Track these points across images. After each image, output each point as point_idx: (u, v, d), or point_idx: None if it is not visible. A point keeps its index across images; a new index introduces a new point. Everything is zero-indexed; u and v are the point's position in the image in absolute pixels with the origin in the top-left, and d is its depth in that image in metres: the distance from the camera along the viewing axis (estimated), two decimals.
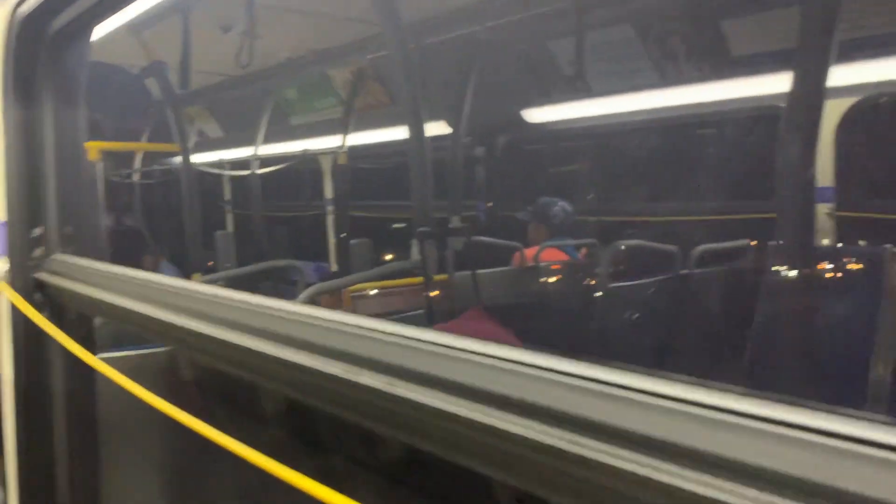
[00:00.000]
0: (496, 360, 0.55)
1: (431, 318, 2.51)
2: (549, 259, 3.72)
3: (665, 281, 3.29)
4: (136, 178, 7.09)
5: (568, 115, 4.29)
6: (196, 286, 0.93)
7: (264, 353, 0.70)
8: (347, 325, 0.70)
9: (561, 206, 3.95)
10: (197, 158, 6.56)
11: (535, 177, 5.31)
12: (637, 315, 3.20)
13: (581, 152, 5.15)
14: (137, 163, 7.11)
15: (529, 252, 3.66)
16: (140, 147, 6.90)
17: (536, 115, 4.42)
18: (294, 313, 0.73)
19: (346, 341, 0.66)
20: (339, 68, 5.10)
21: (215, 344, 0.79)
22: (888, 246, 2.89)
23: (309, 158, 5.66)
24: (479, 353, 0.57)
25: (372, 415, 0.64)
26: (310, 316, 0.71)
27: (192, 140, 6.34)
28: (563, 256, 3.90)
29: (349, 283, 2.61)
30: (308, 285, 3.98)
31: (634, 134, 4.41)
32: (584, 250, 3.98)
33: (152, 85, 5.50)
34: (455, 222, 3.10)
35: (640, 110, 3.85)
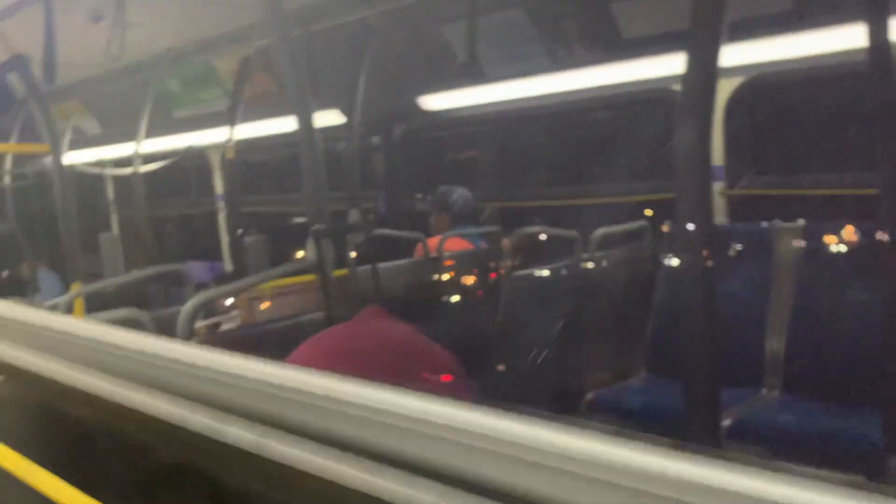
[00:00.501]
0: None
1: (331, 317, 2.39)
2: (452, 249, 3.66)
3: (568, 266, 3.29)
4: (7, 180, 6.58)
5: (464, 101, 4.24)
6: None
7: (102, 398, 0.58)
8: (211, 368, 0.59)
9: (460, 193, 3.89)
10: (75, 157, 6.15)
11: (434, 166, 5.24)
12: (542, 300, 3.18)
13: (479, 139, 5.12)
14: (9, 164, 6.60)
15: (432, 243, 3.59)
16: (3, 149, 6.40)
17: (432, 102, 4.35)
18: (137, 352, 0.61)
19: (210, 386, 0.55)
20: (224, 58, 4.87)
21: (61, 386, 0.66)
22: (777, 221, 2.99)
23: (195, 153, 5.38)
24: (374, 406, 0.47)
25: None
26: (158, 356, 0.59)
27: (68, 138, 5.93)
28: (467, 245, 3.85)
29: (240, 287, 2.45)
30: (200, 287, 3.78)
31: (531, 120, 4.41)
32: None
33: (16, 81, 5.07)
34: (353, 216, 2.99)
35: (536, 95, 3.84)
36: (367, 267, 2.78)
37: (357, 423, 0.48)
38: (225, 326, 3.23)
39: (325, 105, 3.87)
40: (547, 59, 3.57)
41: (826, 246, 2.87)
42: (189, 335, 2.27)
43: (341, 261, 2.85)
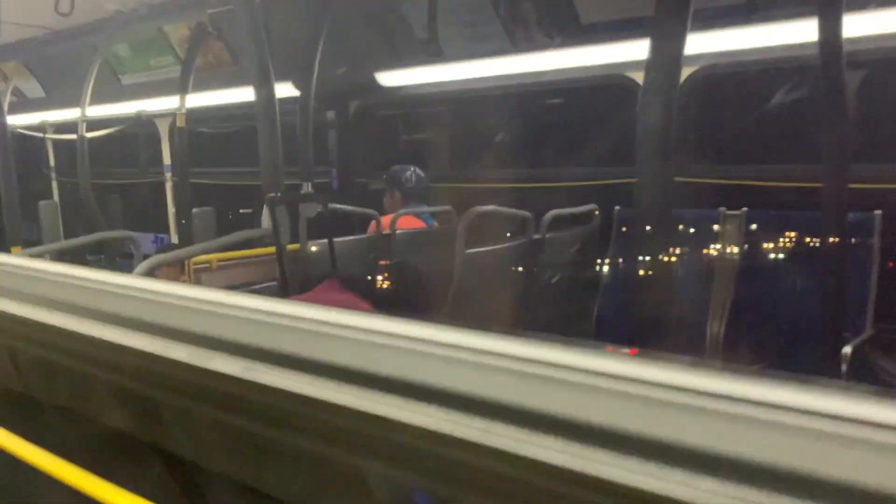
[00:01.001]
0: (381, 335, 0.47)
1: (284, 289, 2.38)
2: (405, 226, 3.67)
3: (519, 245, 3.33)
4: None
5: (421, 80, 4.24)
6: None
7: (91, 336, 0.59)
8: (194, 300, 0.60)
9: (413, 171, 3.90)
10: (15, 120, 5.93)
11: (389, 144, 5.22)
12: (493, 279, 3.22)
13: (436, 118, 5.12)
14: None
15: (386, 220, 3.59)
16: None
17: (389, 79, 4.33)
18: (126, 287, 0.61)
19: (192, 319, 0.56)
20: (176, 23, 4.75)
21: (28, 327, 0.66)
22: (722, 209, 3.09)
23: (144, 121, 5.25)
24: (359, 329, 0.49)
25: (227, 405, 0.55)
26: (146, 290, 0.60)
27: (7, 100, 5.71)
28: (419, 223, 3.86)
29: (191, 253, 2.42)
30: (146, 257, 3.70)
31: (488, 101, 4.43)
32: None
33: None
34: (307, 189, 2.97)
35: (494, 76, 3.86)
36: (322, 241, 2.78)
37: (347, 348, 0.49)
38: None
39: (280, 77, 3.83)
40: (505, 40, 3.59)
41: (767, 233, 2.98)
42: None
43: (294, 233, 2.84)
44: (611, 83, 3.54)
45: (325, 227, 3.00)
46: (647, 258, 2.52)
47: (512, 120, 4.46)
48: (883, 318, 2.68)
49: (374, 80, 4.26)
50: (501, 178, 4.41)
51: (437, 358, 0.48)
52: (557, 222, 3.51)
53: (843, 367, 2.41)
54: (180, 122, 4.64)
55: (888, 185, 2.95)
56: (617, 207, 3.44)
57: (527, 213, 3.38)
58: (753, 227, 3.00)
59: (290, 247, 2.74)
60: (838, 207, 2.36)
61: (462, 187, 4.59)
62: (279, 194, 2.25)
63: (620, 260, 3.27)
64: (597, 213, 3.67)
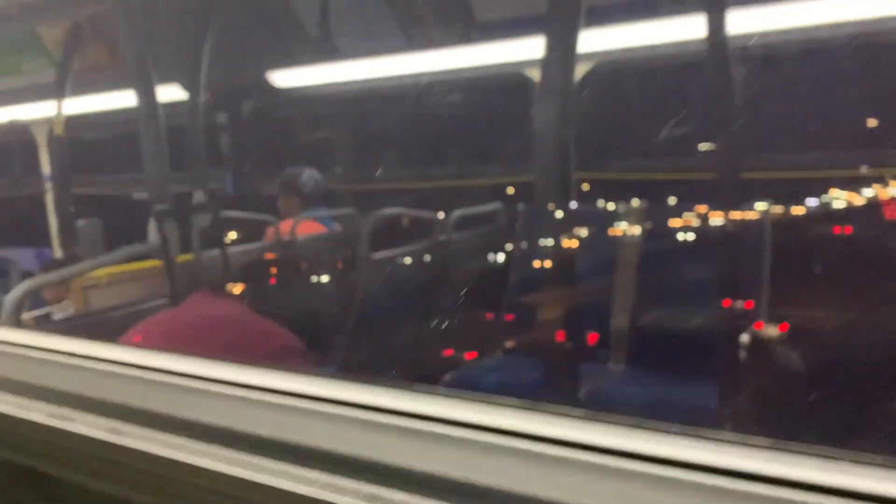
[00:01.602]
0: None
1: (176, 303, 2.24)
2: (305, 232, 3.55)
3: (426, 247, 3.28)
4: None
5: (316, 79, 4.11)
6: None
7: None
8: (53, 352, 0.51)
9: (310, 174, 3.77)
10: None
11: (285, 145, 5.07)
12: (400, 283, 3.16)
13: (336, 118, 5.00)
14: None
15: (285, 226, 3.46)
16: None
17: (283, 79, 4.18)
18: None
19: (51, 375, 0.47)
20: (50, 25, 4.43)
21: None
22: (621, 204, 3.13)
23: (18, 129, 4.88)
24: (235, 385, 0.41)
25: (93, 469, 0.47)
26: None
27: None
28: (320, 228, 3.74)
29: (72, 273, 2.24)
30: (26, 276, 3.43)
31: (385, 100, 4.35)
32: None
33: None
34: (199, 197, 2.81)
35: (391, 75, 3.79)
36: (215, 250, 2.63)
37: (222, 406, 0.42)
38: (57, 317, 2.96)
39: (165, 79, 3.62)
40: (401, 38, 3.52)
41: (665, 227, 3.04)
42: (16, 327, 2.06)
43: (185, 245, 2.68)
44: (510, 81, 3.53)
45: (221, 235, 2.86)
46: (551, 255, 2.51)
47: (414, 119, 4.40)
48: (778, 306, 2.77)
49: (267, 80, 4.10)
50: (405, 178, 4.35)
51: (320, 416, 0.41)
52: (464, 222, 3.49)
53: (741, 354, 2.48)
54: (59, 130, 4.33)
55: (779, 174, 3.07)
56: (521, 205, 3.44)
57: (432, 215, 3.34)
58: (654, 220, 3.05)
59: (182, 258, 2.58)
60: (731, 199, 2.42)
61: (365, 189, 4.51)
62: (166, 206, 2.10)
63: (526, 258, 3.27)
64: (503, 211, 3.67)
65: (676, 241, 2.96)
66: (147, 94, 2.82)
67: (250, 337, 1.91)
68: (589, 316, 3.03)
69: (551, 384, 2.10)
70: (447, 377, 2.99)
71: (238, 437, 0.43)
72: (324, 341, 2.16)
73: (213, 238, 2.80)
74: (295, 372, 0.48)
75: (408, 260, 3.02)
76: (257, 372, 0.47)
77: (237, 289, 2.16)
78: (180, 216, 2.29)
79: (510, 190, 3.63)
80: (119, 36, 3.67)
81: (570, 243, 3.05)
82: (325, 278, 2.44)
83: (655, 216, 3.03)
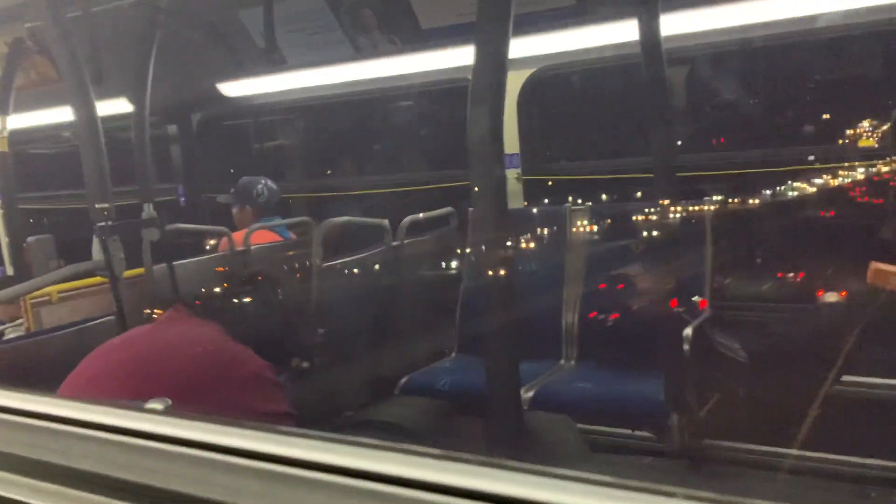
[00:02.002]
0: None
1: (122, 324, 2.23)
2: (259, 242, 3.56)
3: (378, 253, 3.31)
4: None
5: (265, 89, 4.12)
6: None
7: None
8: None
9: (264, 183, 3.78)
10: None
11: (237, 156, 5.05)
12: (354, 290, 3.18)
13: (287, 127, 5.00)
14: None
15: (238, 236, 3.46)
16: None
17: (231, 89, 4.18)
18: None
19: None
20: None
21: None
22: (567, 205, 3.20)
23: None
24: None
25: None
26: None
27: None
28: (274, 237, 3.75)
29: (18, 292, 2.22)
30: None
31: (339, 107, 4.37)
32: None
33: None
34: (148, 211, 2.79)
35: (338, 84, 3.82)
36: (165, 265, 2.63)
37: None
38: (9, 335, 2.92)
39: (111, 92, 3.60)
40: (347, 47, 3.55)
41: (612, 225, 3.11)
42: None
43: (136, 260, 2.67)
44: (456, 87, 3.59)
45: (173, 249, 2.85)
46: (499, 257, 2.56)
47: (364, 126, 4.43)
48: (720, 298, 2.86)
49: (216, 91, 4.10)
50: (360, 185, 4.37)
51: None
52: (416, 227, 3.52)
53: (686, 347, 2.56)
54: (2, 146, 4.26)
55: (714, 172, 3.17)
56: (471, 209, 3.49)
57: (383, 221, 3.37)
58: (598, 220, 3.12)
59: (130, 273, 2.57)
60: (670, 196, 2.50)
61: (319, 196, 4.51)
62: (108, 223, 2.10)
63: (476, 260, 3.32)
64: (454, 215, 3.71)
65: (621, 238, 3.04)
66: (86, 107, 2.79)
67: (223, 363, 1.90)
68: (539, 314, 3.10)
69: (499, 384, 2.15)
70: (403, 380, 3.02)
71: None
72: (280, 354, 2.17)
73: (166, 251, 2.80)
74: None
75: (360, 267, 3.04)
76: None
77: (204, 305, 2.15)
78: (126, 230, 2.29)
79: (461, 195, 3.68)
80: (58, 49, 3.63)
81: (514, 243, 3.11)
82: (278, 289, 2.45)
83: (598, 214, 3.11)
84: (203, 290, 2.18)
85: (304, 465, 0.52)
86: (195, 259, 3.07)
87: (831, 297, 2.78)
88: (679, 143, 2.64)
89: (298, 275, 3.14)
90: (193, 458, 0.57)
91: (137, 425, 0.52)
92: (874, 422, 2.71)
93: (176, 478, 0.57)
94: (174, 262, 2.79)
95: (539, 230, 3.23)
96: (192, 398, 1.70)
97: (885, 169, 3.07)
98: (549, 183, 3.54)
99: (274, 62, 3.64)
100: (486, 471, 0.50)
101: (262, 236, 3.61)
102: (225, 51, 3.94)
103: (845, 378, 2.79)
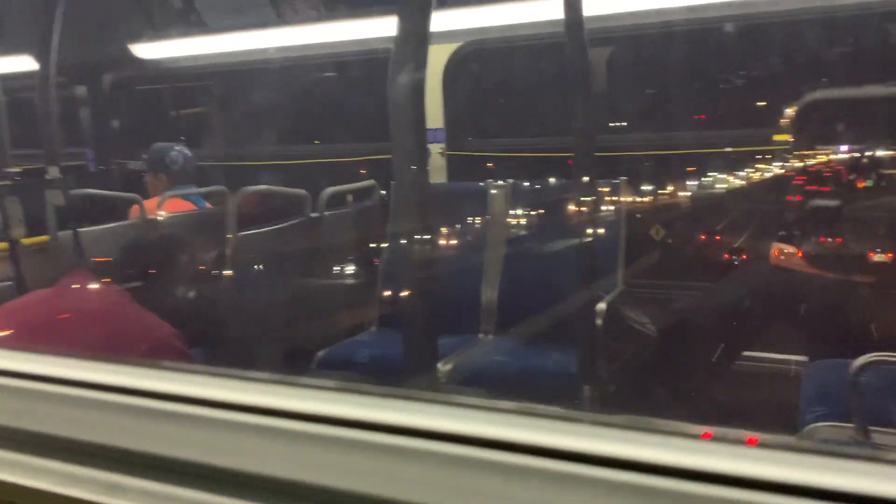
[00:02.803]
0: None
1: (21, 290, 2.13)
2: (172, 210, 3.43)
3: (297, 224, 3.25)
4: None
5: (183, 52, 3.97)
6: None
7: None
8: None
9: (179, 150, 3.64)
10: None
11: (157, 119, 4.86)
12: (271, 261, 3.12)
13: (208, 93, 4.84)
14: None
15: (150, 204, 3.33)
16: None
17: (147, 51, 4.01)
18: None
19: None
20: None
21: None
22: (489, 181, 3.21)
23: None
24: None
25: None
26: None
27: None
28: (188, 206, 3.63)
29: None
30: None
31: (262, 74, 4.25)
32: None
33: None
34: (53, 173, 2.65)
35: (260, 49, 3.71)
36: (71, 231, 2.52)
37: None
38: None
39: (18, 49, 3.41)
40: (270, 12, 3.45)
41: (532, 203, 3.15)
42: None
43: (38, 224, 2.55)
44: (384, 58, 3.54)
45: (81, 214, 2.73)
46: (420, 232, 2.55)
47: (287, 95, 4.33)
48: (632, 274, 2.94)
49: (129, 52, 3.92)
50: (282, 156, 4.28)
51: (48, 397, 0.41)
52: (336, 199, 3.48)
53: (599, 322, 2.62)
54: None
55: (632, 153, 3.24)
56: (393, 182, 3.47)
57: (303, 192, 3.31)
58: (519, 197, 3.15)
59: (33, 240, 2.45)
60: (588, 174, 2.54)
61: (239, 165, 4.40)
62: (8, 182, 1.99)
63: (397, 234, 3.31)
64: (376, 188, 3.68)
65: (541, 215, 3.08)
66: None
67: (129, 329, 1.85)
68: (460, 289, 3.12)
69: (418, 357, 2.15)
70: (321, 354, 3.00)
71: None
72: (193, 325, 2.12)
73: (71, 217, 2.67)
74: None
75: (277, 237, 2.99)
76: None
77: (111, 273, 2.08)
78: (28, 193, 2.17)
79: (384, 168, 3.65)
80: None
81: (435, 219, 3.12)
82: (189, 258, 2.38)
83: (519, 192, 3.14)
84: (109, 257, 2.10)
85: (218, 405, 0.50)
86: (103, 226, 2.94)
87: (736, 275, 2.91)
88: (598, 123, 2.68)
89: (212, 244, 3.06)
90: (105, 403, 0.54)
91: (45, 370, 0.49)
92: (771, 394, 2.86)
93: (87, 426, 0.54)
94: (80, 229, 2.67)
95: (461, 206, 3.24)
96: None
97: (791, 159, 3.22)
98: (474, 159, 3.55)
99: (191, 24, 3.51)
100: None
101: (175, 205, 3.49)
102: (139, 9, 3.77)
103: (747, 353, 2.93)
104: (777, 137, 3.18)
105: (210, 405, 0.42)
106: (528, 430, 0.43)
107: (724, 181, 3.29)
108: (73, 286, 1.98)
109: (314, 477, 0.40)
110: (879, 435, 1.90)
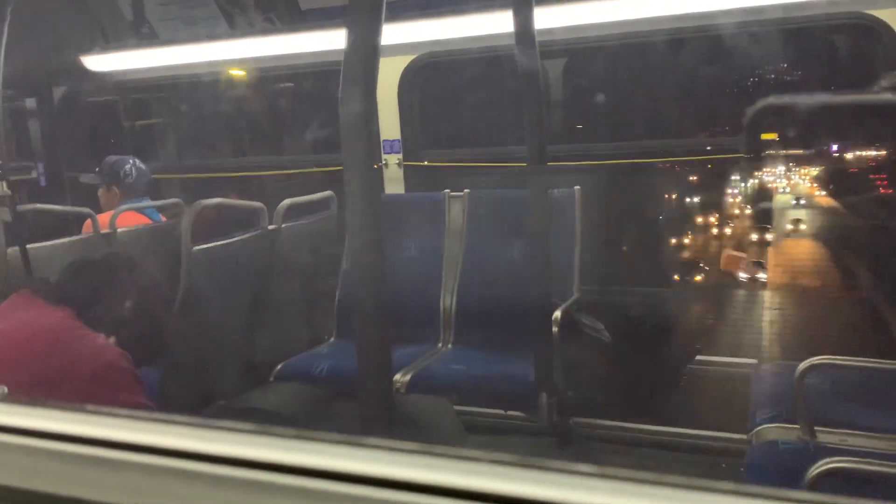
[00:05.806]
0: None
1: None
2: (127, 224, 3.39)
3: (253, 237, 3.23)
4: None
5: (136, 64, 3.92)
6: None
7: None
8: None
9: (133, 163, 3.59)
10: None
11: (110, 132, 4.78)
12: (227, 276, 3.09)
13: (162, 105, 4.78)
14: None
15: (104, 218, 3.28)
16: None
17: (100, 63, 3.95)
18: None
19: None
20: None
21: None
22: (447, 191, 3.24)
23: None
24: None
25: None
26: None
27: None
28: (143, 220, 3.59)
29: None
30: None
31: (217, 86, 4.23)
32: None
33: None
34: (1, 188, 2.59)
35: (215, 61, 3.68)
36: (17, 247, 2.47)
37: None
38: None
39: None
40: (223, 23, 3.43)
41: (488, 212, 3.18)
42: None
43: None
44: (335, 70, 3.54)
45: (23, 230, 2.68)
46: (377, 243, 2.56)
47: (242, 107, 4.30)
48: (587, 282, 2.98)
49: (80, 65, 3.86)
50: (238, 168, 4.25)
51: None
52: (293, 211, 3.45)
53: (554, 330, 2.65)
54: None
55: (587, 162, 3.29)
56: (345, 193, 3.46)
57: (259, 204, 3.28)
58: (476, 206, 3.18)
59: None
60: (541, 184, 2.57)
61: (194, 178, 4.35)
62: None
63: (354, 245, 3.30)
64: (334, 199, 3.67)
65: (498, 224, 3.11)
66: None
67: (73, 351, 1.81)
68: (417, 299, 3.13)
69: (375, 368, 2.15)
70: (279, 367, 2.98)
71: None
72: (144, 345, 2.08)
73: (20, 233, 2.62)
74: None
75: (233, 251, 2.96)
76: None
77: (57, 292, 2.03)
78: None
79: (339, 179, 3.65)
80: None
81: (392, 229, 3.13)
82: (142, 274, 2.34)
83: (476, 201, 3.17)
84: (56, 274, 2.05)
85: (149, 451, 0.51)
86: (53, 242, 2.89)
87: (688, 281, 2.96)
88: (551, 133, 2.73)
89: (167, 259, 3.02)
90: (31, 448, 0.54)
91: None
92: (724, 398, 2.92)
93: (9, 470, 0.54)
94: (28, 245, 2.61)
95: (418, 216, 3.26)
96: (37, 391, 1.61)
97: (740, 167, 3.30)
98: (429, 169, 3.57)
99: (143, 36, 3.47)
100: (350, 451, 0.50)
101: (129, 218, 3.45)
102: (90, 21, 3.72)
103: (699, 357, 2.98)
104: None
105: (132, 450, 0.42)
106: (430, 470, 0.44)
107: (681, 189, 3.36)
108: (17, 306, 1.94)
109: None
110: (824, 434, 1.96)
